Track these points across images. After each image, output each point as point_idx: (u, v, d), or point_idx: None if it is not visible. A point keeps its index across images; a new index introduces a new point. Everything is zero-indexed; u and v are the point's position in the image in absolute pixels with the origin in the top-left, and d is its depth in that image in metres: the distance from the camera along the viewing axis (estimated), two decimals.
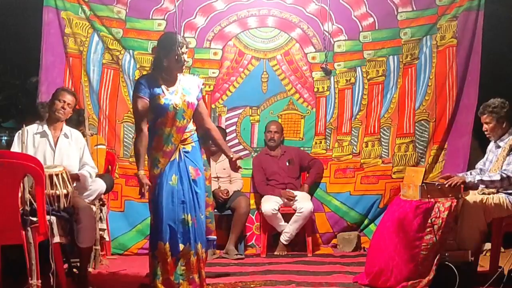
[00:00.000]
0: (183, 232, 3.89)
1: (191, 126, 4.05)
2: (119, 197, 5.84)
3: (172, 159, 3.94)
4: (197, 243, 3.93)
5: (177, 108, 3.92)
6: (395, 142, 6.04)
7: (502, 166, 4.35)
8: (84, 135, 4.79)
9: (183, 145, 3.99)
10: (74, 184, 4.31)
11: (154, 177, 3.94)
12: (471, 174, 4.67)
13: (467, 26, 5.85)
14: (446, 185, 4.23)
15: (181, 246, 3.88)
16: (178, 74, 4.05)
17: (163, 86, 3.95)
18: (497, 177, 4.26)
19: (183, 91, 3.99)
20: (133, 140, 4.15)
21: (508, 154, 4.36)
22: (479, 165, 4.72)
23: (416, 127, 6.00)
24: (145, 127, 3.92)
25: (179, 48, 3.94)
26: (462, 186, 4.31)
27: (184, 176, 3.94)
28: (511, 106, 4.49)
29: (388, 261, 4.17)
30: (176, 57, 3.94)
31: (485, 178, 4.30)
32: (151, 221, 3.98)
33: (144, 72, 5.87)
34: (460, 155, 5.83)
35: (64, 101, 4.39)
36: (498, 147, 4.52)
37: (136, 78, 5.85)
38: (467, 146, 5.81)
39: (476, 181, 4.31)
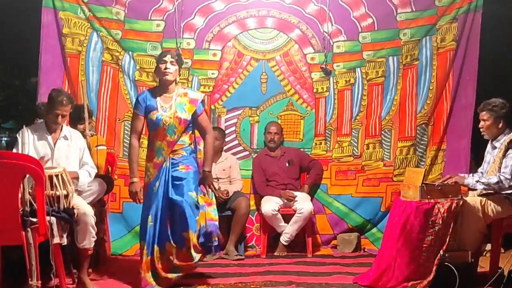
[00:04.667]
0: (157, 233, 4.35)
1: (185, 140, 4.47)
2: (118, 199, 5.83)
3: (160, 170, 4.40)
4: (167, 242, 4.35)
5: (167, 124, 4.36)
6: (397, 145, 6.05)
7: (498, 167, 4.35)
8: (84, 136, 4.79)
9: (173, 155, 4.44)
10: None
11: (145, 186, 4.47)
12: (473, 176, 4.68)
13: (465, 28, 5.85)
14: (441, 181, 4.33)
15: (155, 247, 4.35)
16: (179, 89, 4.50)
17: (159, 102, 4.42)
18: (495, 180, 4.26)
19: (176, 108, 4.40)
20: None
21: (504, 156, 4.35)
22: (480, 168, 4.73)
23: (416, 130, 6.01)
24: (135, 141, 4.48)
25: (162, 61, 4.42)
26: (461, 186, 4.33)
27: (165, 180, 4.37)
28: (511, 108, 4.49)
29: (391, 262, 4.18)
30: (160, 69, 4.43)
31: (483, 180, 4.30)
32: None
33: (144, 73, 5.99)
34: (461, 157, 5.82)
35: (59, 114, 4.37)
36: (494, 147, 4.52)
37: (136, 79, 5.98)
38: (467, 147, 5.80)
39: (474, 182, 4.32)
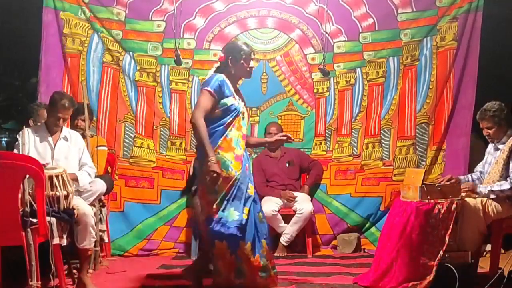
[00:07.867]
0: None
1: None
2: (119, 198, 5.83)
3: (243, 165, 4.03)
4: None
5: (244, 115, 4.11)
6: (396, 145, 6.04)
7: (502, 169, 4.34)
8: (84, 136, 4.79)
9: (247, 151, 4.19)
10: (74, 186, 4.31)
11: (227, 179, 3.94)
12: (471, 177, 4.67)
13: (466, 28, 5.84)
14: (441, 181, 4.35)
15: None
16: None
17: (232, 90, 4.08)
18: (507, 186, 4.23)
19: (243, 100, 4.19)
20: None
21: (509, 157, 4.34)
22: (478, 167, 4.72)
23: (416, 130, 6.00)
24: (202, 119, 3.89)
25: (250, 58, 4.11)
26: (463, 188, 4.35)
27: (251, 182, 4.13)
28: (508, 108, 4.49)
29: (391, 262, 4.18)
30: (246, 66, 4.11)
31: (495, 188, 4.27)
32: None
33: (144, 74, 5.99)
34: (460, 156, 5.82)
35: (60, 117, 4.38)
36: (497, 149, 4.51)
37: (137, 79, 5.97)
38: (466, 146, 5.80)
39: (486, 191, 4.30)
